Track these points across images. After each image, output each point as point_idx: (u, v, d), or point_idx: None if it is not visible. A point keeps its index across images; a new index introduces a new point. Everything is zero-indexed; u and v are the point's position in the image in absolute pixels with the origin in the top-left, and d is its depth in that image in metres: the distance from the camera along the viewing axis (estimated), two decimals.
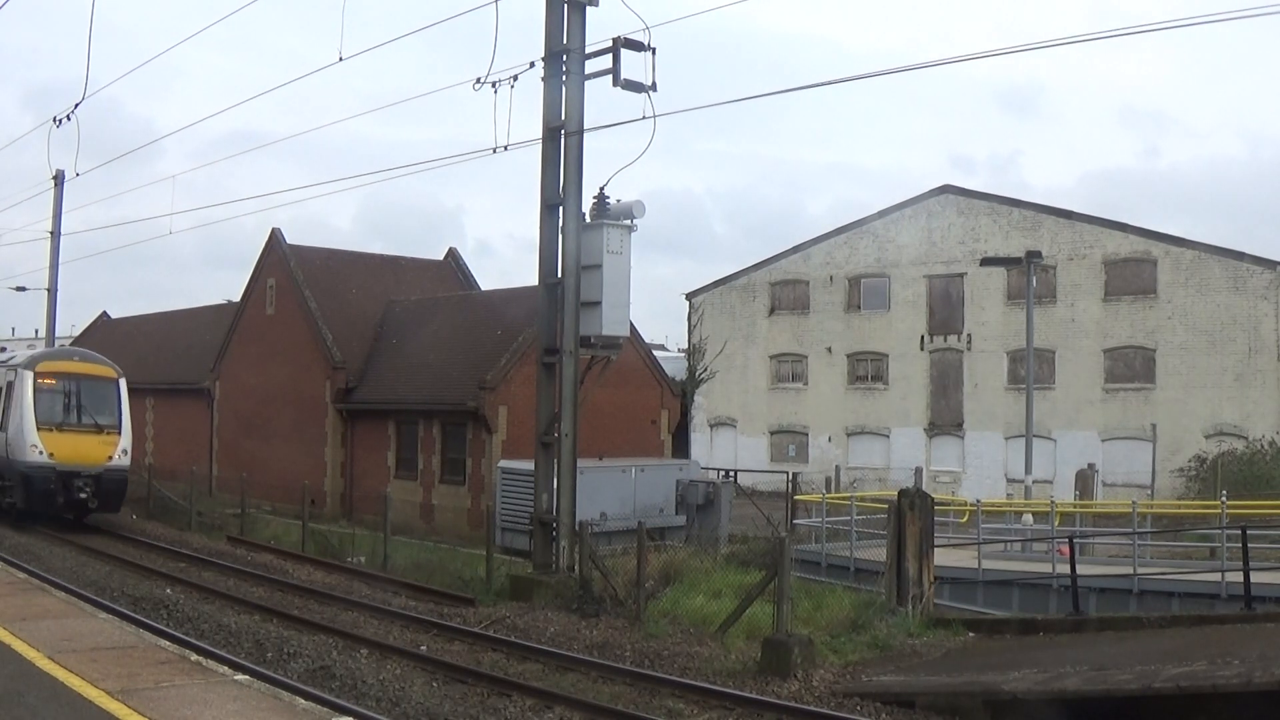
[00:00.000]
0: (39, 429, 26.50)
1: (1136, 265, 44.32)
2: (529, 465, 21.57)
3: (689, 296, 57.92)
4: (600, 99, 25.42)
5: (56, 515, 27.07)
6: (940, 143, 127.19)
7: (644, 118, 17.98)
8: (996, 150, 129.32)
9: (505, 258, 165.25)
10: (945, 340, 49.07)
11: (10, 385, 27.56)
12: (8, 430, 27.13)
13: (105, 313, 62.38)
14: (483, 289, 43.92)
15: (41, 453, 26.27)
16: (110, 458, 27.16)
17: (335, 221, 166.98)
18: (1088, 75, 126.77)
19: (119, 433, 27.76)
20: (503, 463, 27.97)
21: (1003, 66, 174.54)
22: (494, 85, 18.58)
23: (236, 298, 47.52)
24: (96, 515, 27.95)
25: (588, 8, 19.12)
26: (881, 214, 51.75)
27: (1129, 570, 20.41)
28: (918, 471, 38.95)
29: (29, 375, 27.07)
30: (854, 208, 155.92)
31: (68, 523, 27.57)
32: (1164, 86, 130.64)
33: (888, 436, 50.56)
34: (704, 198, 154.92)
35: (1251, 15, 11.38)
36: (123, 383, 28.44)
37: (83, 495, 26.46)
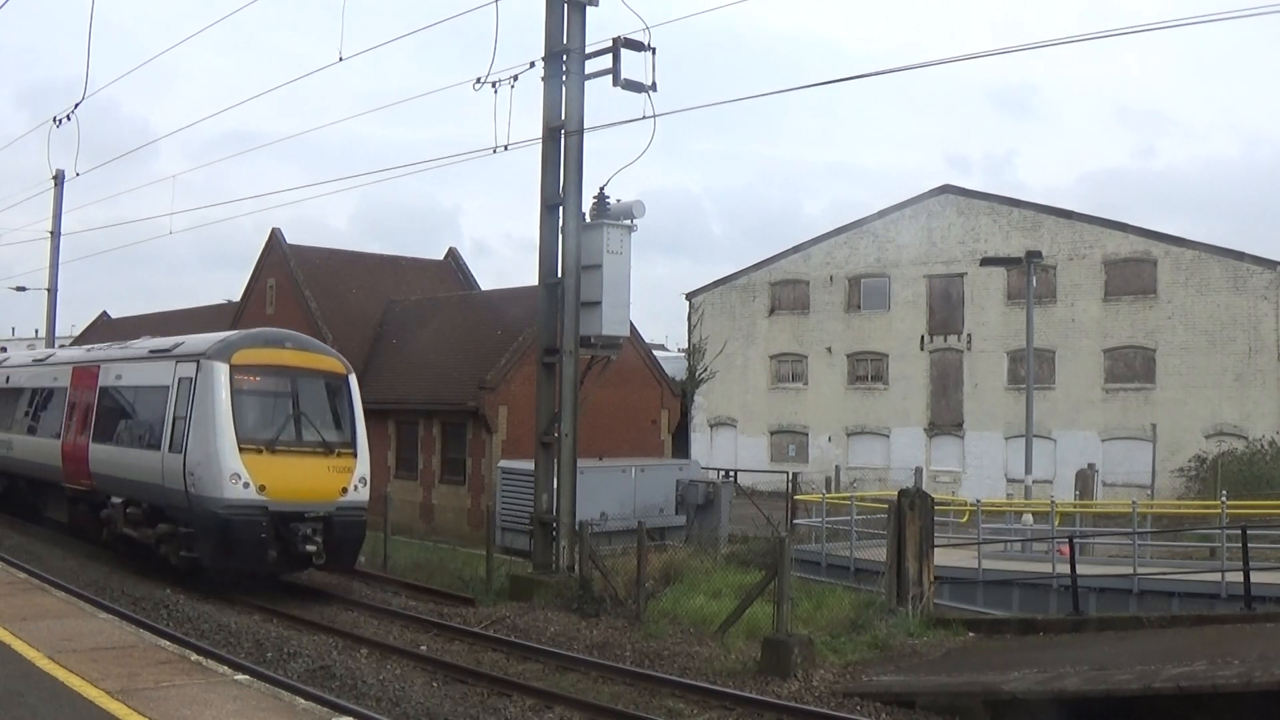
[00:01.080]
0: (241, 449, 17.78)
1: (1136, 265, 44.31)
2: (529, 465, 21.57)
3: (689, 296, 57.91)
4: (600, 99, 25.42)
5: (266, 574, 18.81)
6: (936, 143, 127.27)
7: (644, 118, 18.01)
8: (992, 150, 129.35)
9: (503, 257, 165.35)
10: (945, 340, 49.07)
11: (188, 384, 18.87)
12: (187, 451, 18.28)
13: (105, 312, 62.40)
14: (482, 289, 43.92)
15: (247, 485, 17.59)
16: (344, 490, 18.46)
17: (333, 222, 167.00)
18: (1084, 75, 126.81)
19: (354, 453, 18.94)
20: (503, 463, 27.98)
21: (998, 67, 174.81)
22: (494, 85, 18.59)
23: (235, 297, 47.56)
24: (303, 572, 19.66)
25: (588, 8, 19.12)
26: (881, 214, 51.75)
27: (1129, 570, 20.41)
28: (918, 471, 38.96)
29: (222, 369, 18.23)
30: (851, 208, 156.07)
31: (258, 583, 19.15)
32: (1160, 86, 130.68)
33: (888, 436, 50.56)
34: (702, 198, 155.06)
35: (1247, 15, 11.39)
36: (354, 380, 19.88)
37: (310, 548, 17.76)
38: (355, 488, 18.71)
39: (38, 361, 27.98)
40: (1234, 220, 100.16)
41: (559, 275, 19.54)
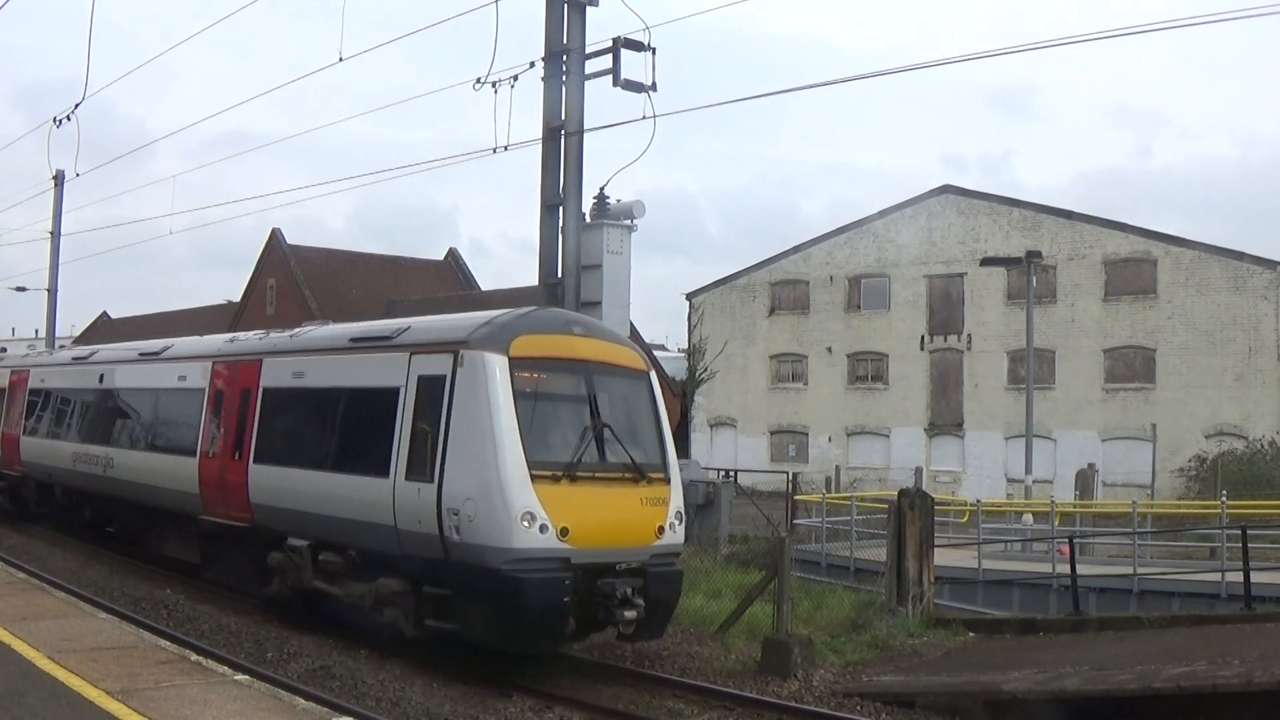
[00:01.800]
0: (534, 478, 12.55)
1: (1136, 265, 44.32)
2: None
3: (689, 296, 57.94)
4: (600, 99, 25.42)
5: (551, 652, 13.72)
6: (934, 143, 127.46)
7: (644, 118, 17.99)
8: (989, 150, 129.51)
9: (500, 257, 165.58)
10: (945, 340, 49.10)
11: (437, 384, 13.34)
12: (444, 480, 12.86)
13: (105, 313, 62.46)
14: (481, 289, 43.97)
15: (544, 528, 12.40)
16: (660, 530, 13.45)
17: (330, 221, 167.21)
18: (1080, 75, 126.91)
19: (667, 479, 13.91)
20: None
21: (995, 67, 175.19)
22: (494, 85, 18.59)
23: (233, 297, 47.60)
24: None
25: (588, 8, 19.12)
26: (881, 214, 51.80)
27: (1129, 570, 20.42)
28: (918, 471, 38.98)
29: (497, 364, 12.84)
30: (849, 208, 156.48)
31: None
32: (1157, 87, 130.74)
33: (887, 436, 50.58)
34: (699, 197, 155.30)
35: (1243, 16, 11.39)
36: (655, 379, 14.95)
37: (628, 613, 12.65)
38: (672, 526, 13.64)
39: (148, 355, 21.84)
40: (1231, 220, 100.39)
41: (559, 275, 19.54)
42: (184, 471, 18.10)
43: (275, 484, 15.89)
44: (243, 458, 16.63)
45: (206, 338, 21.33)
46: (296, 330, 18.07)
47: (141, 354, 22.19)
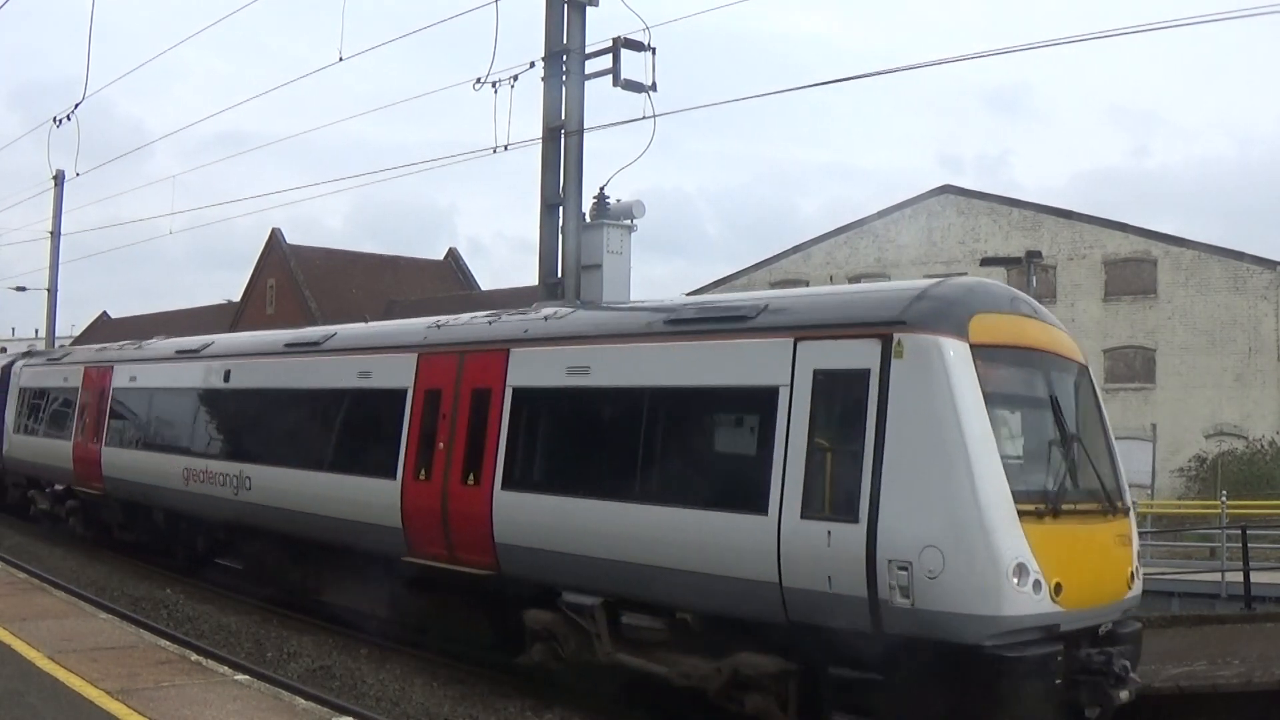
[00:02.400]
0: (1020, 514, 9.16)
1: (1136, 265, 44.32)
2: None
3: (689, 296, 57.97)
4: (600, 99, 25.41)
5: None
6: (931, 143, 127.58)
7: (644, 118, 18.00)
8: (986, 150, 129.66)
9: (498, 257, 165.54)
10: None
11: (855, 383, 9.79)
12: (879, 520, 9.30)
13: (105, 313, 62.52)
14: (481, 289, 44.00)
15: (1038, 584, 9.02)
16: (1131, 579, 10.41)
17: (328, 221, 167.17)
18: (1077, 75, 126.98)
19: (1129, 509, 10.87)
20: None
21: (992, 67, 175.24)
22: (494, 85, 18.61)
23: (231, 297, 47.61)
24: None
25: (588, 8, 19.13)
26: (881, 214, 51.82)
27: None
28: None
29: (957, 351, 9.45)
30: (846, 208, 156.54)
31: None
32: (1153, 86, 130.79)
33: None
34: (696, 197, 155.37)
35: (1240, 16, 11.39)
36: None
37: (1122, 693, 9.63)
38: (1138, 571, 10.55)
39: (303, 346, 16.96)
40: (1228, 220, 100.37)
41: (559, 275, 19.54)
42: (377, 499, 13.77)
43: (539, 519, 11.78)
44: (482, 482, 12.38)
45: (400, 323, 17.10)
46: (554, 309, 13.95)
47: (290, 345, 17.39)
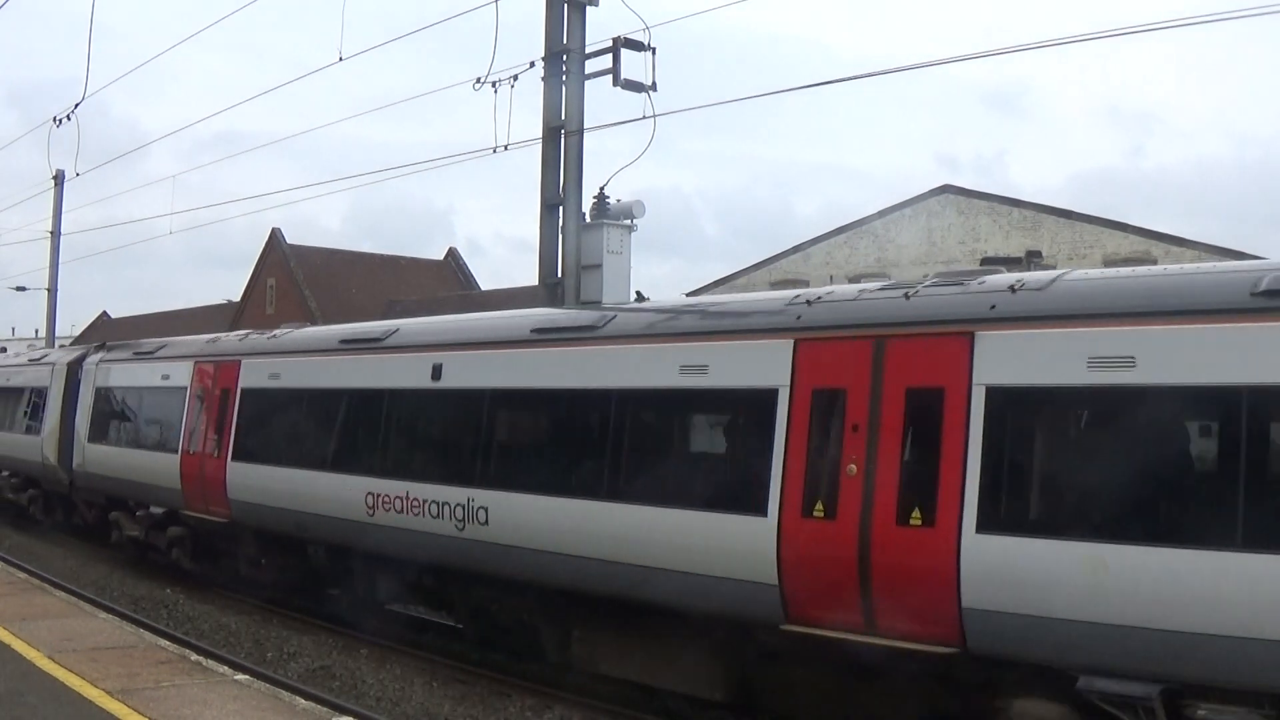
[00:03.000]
0: None
1: (1138, 265, 44.33)
2: None
3: (688, 296, 57.99)
4: (600, 99, 25.44)
5: None
6: (928, 143, 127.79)
7: (644, 118, 18.01)
8: (983, 150, 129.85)
9: (496, 257, 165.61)
10: None
11: None
12: None
13: (105, 312, 62.56)
14: (480, 289, 44.02)
15: None
16: None
17: (326, 221, 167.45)
18: (1073, 75, 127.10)
19: None
20: None
21: (988, 67, 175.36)
22: (494, 85, 18.61)
23: (230, 297, 47.63)
24: None
25: (588, 8, 19.14)
26: (881, 214, 51.81)
27: None
28: None
29: None
30: (843, 208, 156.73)
31: None
32: (1150, 86, 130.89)
33: None
34: (694, 197, 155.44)
35: (1237, 16, 11.39)
36: None
37: None
38: None
39: (570, 334, 12.55)
40: (1226, 219, 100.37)
41: (559, 275, 19.55)
42: (727, 541, 10.10)
43: (1045, 574, 8.26)
44: (937, 522, 8.88)
45: (751, 297, 13.85)
46: (1031, 276, 10.40)
47: (541, 331, 12.75)
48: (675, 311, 12.32)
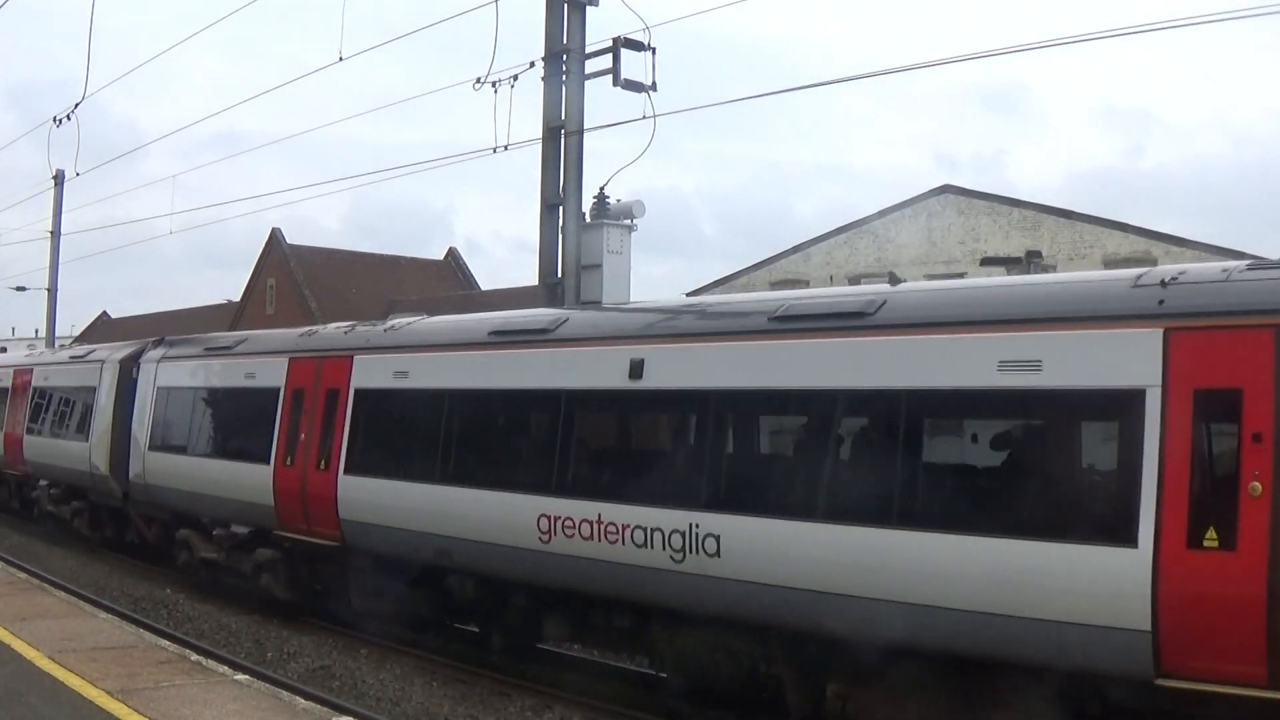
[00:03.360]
0: None
1: (1137, 265, 44.32)
2: None
3: (689, 296, 58.02)
4: (600, 99, 25.45)
5: None
6: (926, 143, 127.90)
7: (644, 118, 18.01)
8: (981, 150, 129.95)
9: (494, 257, 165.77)
10: None
11: None
12: None
13: (105, 312, 62.53)
14: (480, 289, 44.04)
15: None
16: None
17: (325, 221, 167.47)
18: (1072, 75, 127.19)
19: None
20: None
21: (987, 67, 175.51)
22: (494, 85, 18.62)
23: (228, 297, 47.63)
24: None
25: (588, 8, 19.15)
26: (881, 214, 51.80)
27: None
28: None
29: None
30: (841, 208, 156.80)
31: None
32: (1147, 86, 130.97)
33: None
34: (693, 197, 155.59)
35: (1234, 17, 11.39)
36: None
37: None
38: None
39: (844, 320, 10.02)
40: (1224, 219, 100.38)
41: (559, 275, 19.56)
42: (1079, 577, 8.16)
43: None
44: None
45: (1072, 278, 12.31)
46: None
47: (790, 317, 10.37)
48: (985, 292, 10.07)
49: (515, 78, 18.63)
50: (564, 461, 11.80)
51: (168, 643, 11.55)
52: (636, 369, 11.15)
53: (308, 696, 9.97)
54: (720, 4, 16.84)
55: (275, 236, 42.57)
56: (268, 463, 15.71)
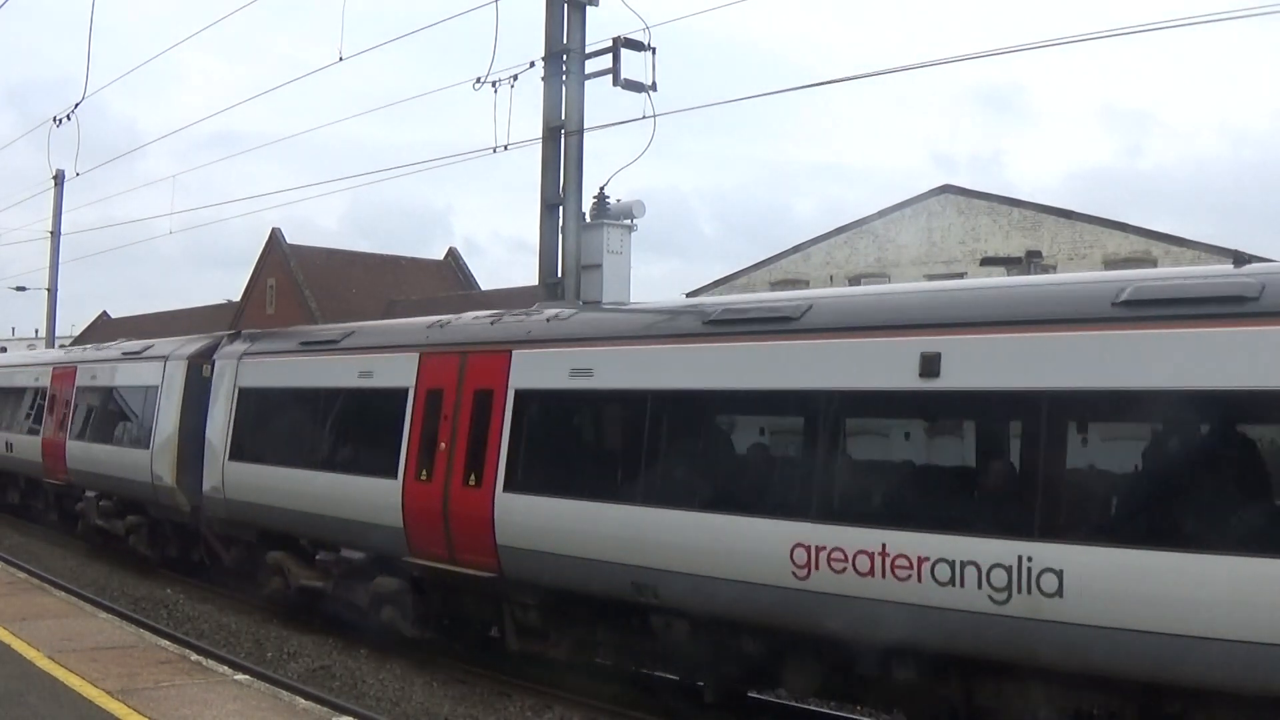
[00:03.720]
0: None
1: (1137, 265, 44.32)
2: None
3: (689, 296, 58.04)
4: (600, 99, 25.45)
5: None
6: (924, 142, 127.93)
7: (644, 117, 18.03)
8: (979, 150, 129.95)
9: (493, 257, 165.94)
10: None
11: None
12: None
13: (105, 312, 62.56)
14: (480, 289, 44.06)
15: None
16: None
17: (323, 222, 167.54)
18: (1070, 75, 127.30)
19: None
20: None
21: (985, 67, 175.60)
22: (494, 85, 18.65)
23: (227, 297, 47.65)
24: None
25: (588, 7, 19.16)
26: (881, 214, 51.83)
27: None
28: None
29: None
30: (840, 207, 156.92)
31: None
32: (1145, 86, 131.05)
33: None
34: (692, 197, 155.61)
35: (1234, 17, 11.39)
36: None
37: None
38: None
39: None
40: (1223, 219, 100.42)
41: (559, 275, 19.56)
42: None
43: None
44: None
45: None
46: None
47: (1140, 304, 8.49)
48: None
49: (515, 78, 18.67)
50: (827, 480, 9.74)
51: (168, 643, 11.55)
52: (929, 365, 9.11)
53: (308, 696, 9.98)
54: (720, 4, 16.85)
55: (275, 236, 42.56)
56: (394, 477, 13.29)
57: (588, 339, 12.06)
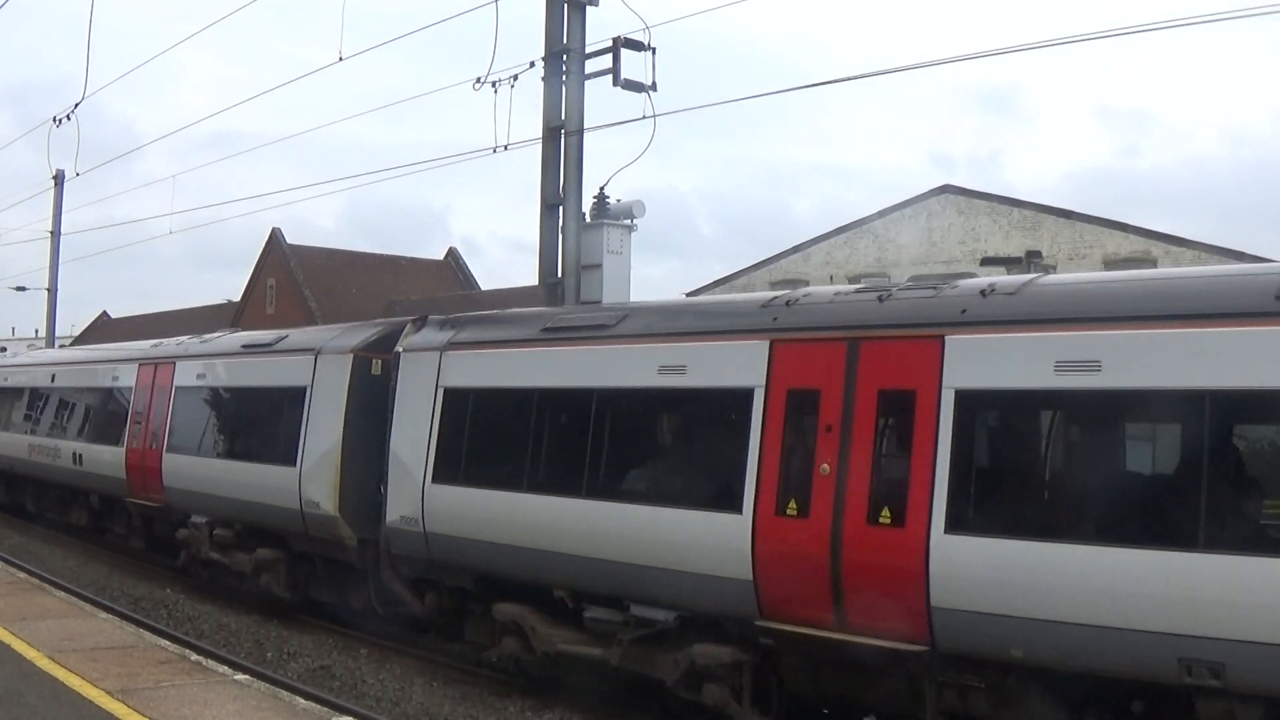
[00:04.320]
0: None
1: (1137, 265, 44.32)
2: None
3: (689, 296, 58.04)
4: (600, 99, 25.45)
5: None
6: (922, 143, 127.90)
7: (644, 117, 18.03)
8: (978, 150, 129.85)
9: (492, 257, 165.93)
10: None
11: None
12: None
13: (105, 312, 62.56)
14: (480, 289, 44.08)
15: None
16: None
17: (322, 222, 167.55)
18: (1068, 76, 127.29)
19: None
20: None
21: (983, 67, 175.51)
22: (494, 85, 18.63)
23: (227, 297, 47.66)
24: None
25: (588, 7, 19.16)
26: (881, 214, 51.84)
27: None
28: None
29: None
30: (839, 207, 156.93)
31: None
32: (1143, 86, 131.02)
33: None
34: (691, 197, 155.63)
35: (1233, 17, 11.39)
36: None
37: None
38: None
39: None
40: (1222, 219, 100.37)
41: (559, 275, 19.57)
42: None
43: None
44: None
45: None
46: None
47: None
48: None
49: (515, 78, 18.65)
50: None
51: (168, 643, 11.56)
52: None
53: (308, 696, 9.98)
54: (720, 4, 16.85)
55: (275, 236, 42.59)
56: (735, 510, 9.92)
57: (1093, 320, 8.36)
